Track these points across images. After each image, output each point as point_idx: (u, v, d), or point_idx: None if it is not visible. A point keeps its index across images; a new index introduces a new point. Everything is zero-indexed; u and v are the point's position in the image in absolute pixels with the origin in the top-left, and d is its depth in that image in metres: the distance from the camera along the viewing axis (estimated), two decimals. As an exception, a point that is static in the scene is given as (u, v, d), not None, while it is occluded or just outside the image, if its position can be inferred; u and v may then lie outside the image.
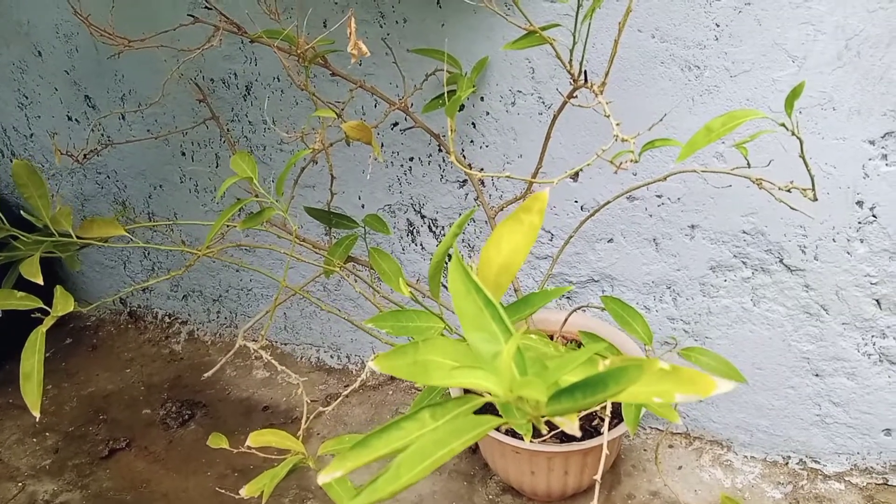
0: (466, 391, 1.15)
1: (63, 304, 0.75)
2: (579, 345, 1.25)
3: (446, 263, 1.18)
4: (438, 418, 0.46)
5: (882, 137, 1.02)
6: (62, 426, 1.60)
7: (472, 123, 1.26)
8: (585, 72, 0.89)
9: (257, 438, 0.91)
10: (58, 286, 0.79)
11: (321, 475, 0.47)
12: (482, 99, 1.23)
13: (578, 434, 0.43)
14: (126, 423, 1.60)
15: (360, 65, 1.27)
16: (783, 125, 0.74)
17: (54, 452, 1.53)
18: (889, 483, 1.26)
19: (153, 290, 1.89)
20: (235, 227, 0.95)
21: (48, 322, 0.75)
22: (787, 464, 1.33)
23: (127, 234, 0.89)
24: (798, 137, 0.76)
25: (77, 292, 2.00)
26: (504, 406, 0.56)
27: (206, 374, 0.97)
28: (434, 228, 1.41)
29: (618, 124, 0.80)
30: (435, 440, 0.43)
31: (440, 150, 1.31)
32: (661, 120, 0.98)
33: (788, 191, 0.88)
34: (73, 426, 1.60)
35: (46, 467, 1.49)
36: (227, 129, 1.48)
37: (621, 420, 1.11)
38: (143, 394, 1.69)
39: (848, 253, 1.12)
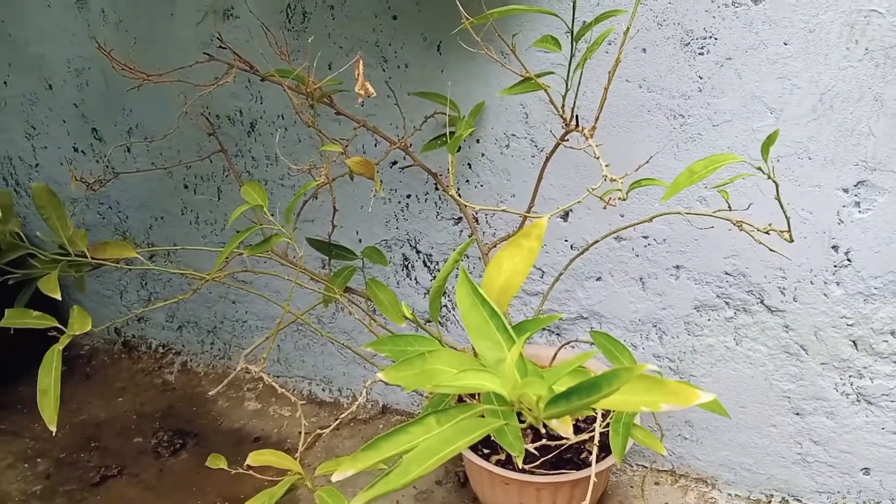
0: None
1: (80, 323, 0.78)
2: (567, 379, 1.28)
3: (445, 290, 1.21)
4: (443, 423, 0.50)
5: (855, 186, 1.09)
6: (54, 452, 1.61)
7: (468, 164, 1.32)
8: (577, 116, 0.95)
9: (257, 458, 0.93)
10: (75, 306, 0.82)
11: (336, 474, 0.50)
12: (478, 141, 1.29)
13: (572, 437, 0.47)
14: (118, 451, 1.61)
15: (363, 105, 1.33)
16: (759, 169, 0.80)
17: (45, 478, 1.54)
18: (867, 522, 1.29)
19: (148, 320, 1.91)
20: (241, 254, 0.99)
21: (64, 340, 0.78)
22: (769, 502, 1.36)
23: (138, 256, 0.93)
24: (773, 181, 0.81)
25: (71, 321, 2.02)
26: (499, 413, 0.60)
27: (210, 393, 0.99)
28: (429, 263, 1.46)
29: (607, 165, 0.86)
30: (442, 440, 0.47)
31: (436, 189, 1.36)
32: (646, 162, 1.04)
33: (767, 233, 0.94)
34: (64, 453, 1.61)
35: (38, 493, 1.49)
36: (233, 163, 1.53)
37: (609, 453, 1.14)
38: (135, 422, 1.70)
39: (825, 295, 1.17)
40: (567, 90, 0.98)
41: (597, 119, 0.93)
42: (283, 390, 0.96)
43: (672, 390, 0.48)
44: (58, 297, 0.81)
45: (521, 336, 0.47)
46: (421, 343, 0.85)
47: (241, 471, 0.97)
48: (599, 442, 1.14)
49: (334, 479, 0.50)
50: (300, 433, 1.32)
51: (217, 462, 0.96)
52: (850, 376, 1.21)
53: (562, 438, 1.03)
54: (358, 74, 0.92)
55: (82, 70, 1.60)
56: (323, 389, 1.73)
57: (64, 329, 0.81)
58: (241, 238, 0.92)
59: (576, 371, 0.50)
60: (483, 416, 0.50)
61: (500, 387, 0.44)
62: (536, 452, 1.11)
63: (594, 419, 1.12)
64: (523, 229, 0.57)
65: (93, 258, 0.90)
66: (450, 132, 1.16)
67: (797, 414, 1.27)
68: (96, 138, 1.68)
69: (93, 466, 1.56)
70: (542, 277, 1.37)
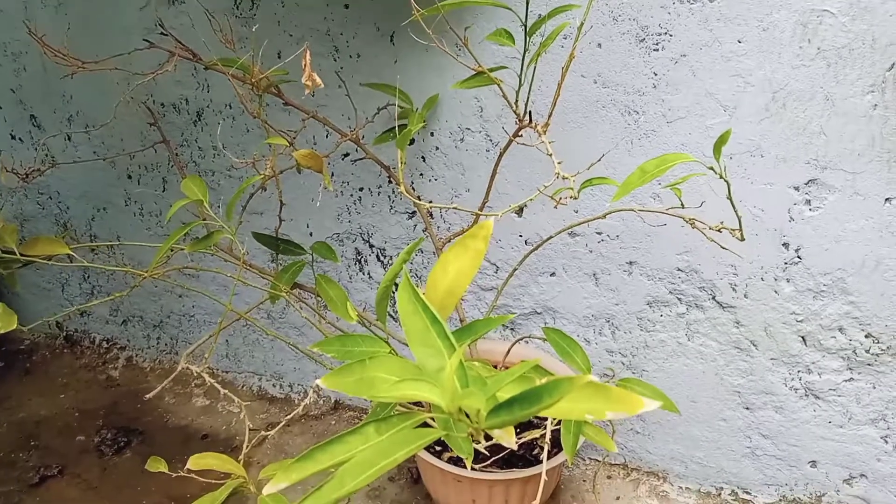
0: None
1: (5, 321, 0.74)
2: (521, 376, 1.28)
3: (393, 291, 1.20)
4: (383, 432, 0.48)
5: (806, 184, 1.09)
6: (-11, 453, 1.55)
7: (422, 157, 1.30)
8: (530, 112, 0.94)
9: (198, 461, 0.90)
10: (0, 303, 0.78)
11: (268, 486, 0.48)
12: (432, 134, 1.27)
13: (515, 447, 0.46)
14: (59, 450, 1.55)
15: (314, 96, 1.30)
16: (712, 168, 0.79)
17: (-21, 480, 1.48)
18: (813, 514, 1.32)
19: (91, 314, 1.85)
20: (183, 249, 0.96)
21: (-12, 339, 0.74)
22: (720, 495, 1.37)
23: (72, 254, 0.88)
24: (725, 180, 0.81)
25: (11, 315, 1.94)
26: (444, 422, 0.58)
27: (148, 395, 0.96)
28: (382, 258, 1.44)
29: (559, 163, 0.84)
30: (379, 450, 0.45)
31: (390, 182, 1.34)
32: (599, 160, 1.03)
33: (719, 230, 0.94)
34: (1, 452, 1.55)
35: (-30, 495, 1.44)
36: (177, 154, 1.48)
37: (561, 449, 1.14)
38: (78, 420, 1.64)
39: (775, 292, 1.18)
40: (521, 85, 0.96)
41: (550, 115, 0.92)
42: (226, 391, 0.93)
43: (617, 398, 0.46)
44: (-18, 296, 0.77)
45: (463, 342, 0.45)
46: (369, 343, 0.83)
47: (183, 476, 0.94)
48: (551, 438, 1.14)
49: (266, 491, 0.48)
50: (248, 430, 1.28)
51: (157, 465, 0.92)
52: (798, 371, 1.22)
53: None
54: (305, 65, 0.89)
55: (19, 54, 1.53)
56: (273, 385, 1.69)
57: (-11, 328, 0.77)
58: (180, 234, 0.88)
59: (520, 378, 0.49)
60: (425, 425, 0.48)
61: (439, 397, 0.42)
62: (487, 452, 1.09)
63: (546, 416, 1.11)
64: (470, 230, 0.55)
65: (22, 255, 0.86)
66: (401, 125, 1.13)
67: (747, 408, 1.28)
68: (34, 125, 1.61)
69: (32, 466, 1.50)
70: (496, 272, 1.36)
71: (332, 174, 1.37)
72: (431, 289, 0.56)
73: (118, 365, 1.82)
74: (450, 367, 0.42)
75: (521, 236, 1.30)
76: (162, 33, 1.05)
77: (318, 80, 0.88)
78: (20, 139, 1.65)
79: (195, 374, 1.61)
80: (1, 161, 1.10)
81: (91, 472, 1.49)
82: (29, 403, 1.71)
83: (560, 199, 0.82)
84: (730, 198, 0.85)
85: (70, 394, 1.74)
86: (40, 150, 1.61)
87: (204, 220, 0.95)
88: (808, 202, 1.11)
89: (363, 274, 1.47)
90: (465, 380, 0.44)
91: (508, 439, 0.45)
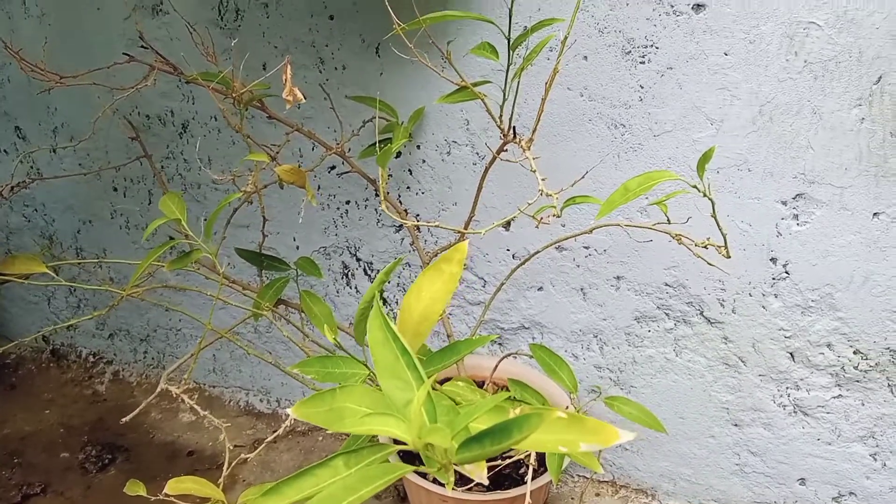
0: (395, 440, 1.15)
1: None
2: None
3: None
4: (352, 466, 0.47)
5: (793, 199, 1.09)
6: (-29, 470, 1.53)
7: (409, 170, 1.29)
8: (514, 128, 0.93)
9: (176, 486, 0.88)
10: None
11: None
12: (419, 147, 1.26)
13: (486, 482, 0.44)
14: (42, 467, 1.53)
15: (299, 108, 1.29)
16: (695, 187, 0.78)
17: (-40, 498, 1.45)
18: (804, 531, 1.30)
19: (78, 328, 1.83)
20: (162, 266, 0.94)
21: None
22: (708, 512, 1.36)
23: (49, 272, 0.87)
24: (710, 199, 0.80)
25: (-4, 329, 1.92)
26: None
27: (124, 419, 0.94)
28: (369, 272, 1.42)
29: (543, 179, 0.83)
30: (345, 487, 0.43)
31: (377, 195, 1.33)
32: (582, 177, 1.02)
33: (705, 247, 0.92)
34: (-17, 470, 1.53)
35: (-50, 514, 1.41)
36: (162, 167, 1.46)
37: (547, 469, 1.12)
38: (63, 436, 1.62)
39: (763, 307, 1.17)
40: (505, 99, 0.95)
41: (534, 131, 0.91)
42: (206, 413, 0.91)
43: (591, 429, 0.45)
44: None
45: (435, 370, 0.44)
46: (349, 365, 0.82)
47: (163, 498, 0.92)
48: (538, 457, 1.12)
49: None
50: (233, 447, 1.27)
51: (135, 489, 0.90)
52: (787, 388, 1.21)
53: (496, 460, 1.00)
54: (286, 79, 0.87)
55: (2, 66, 1.52)
56: (261, 400, 1.68)
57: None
58: (158, 253, 0.86)
59: (494, 409, 0.47)
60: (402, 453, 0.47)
61: (405, 432, 0.40)
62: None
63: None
64: (444, 254, 0.54)
65: (-3, 273, 0.84)
66: (385, 139, 1.12)
67: (735, 425, 1.27)
68: (19, 137, 1.60)
69: (14, 484, 1.48)
70: (484, 287, 1.34)
71: (319, 187, 1.36)
72: (406, 314, 0.55)
73: (104, 379, 1.80)
74: (417, 400, 0.40)
75: (508, 250, 1.29)
76: (142, 46, 1.04)
77: (300, 95, 0.87)
78: (5, 151, 1.63)
79: (183, 388, 1.59)
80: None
81: (74, 490, 1.47)
82: (14, 419, 1.69)
83: (542, 218, 0.81)
84: (714, 216, 0.84)
85: (55, 409, 1.72)
86: (26, 161, 1.59)
87: (185, 239, 0.93)
88: (796, 217, 1.10)
89: (350, 288, 1.46)
90: (433, 413, 0.43)
91: (479, 473, 0.44)
